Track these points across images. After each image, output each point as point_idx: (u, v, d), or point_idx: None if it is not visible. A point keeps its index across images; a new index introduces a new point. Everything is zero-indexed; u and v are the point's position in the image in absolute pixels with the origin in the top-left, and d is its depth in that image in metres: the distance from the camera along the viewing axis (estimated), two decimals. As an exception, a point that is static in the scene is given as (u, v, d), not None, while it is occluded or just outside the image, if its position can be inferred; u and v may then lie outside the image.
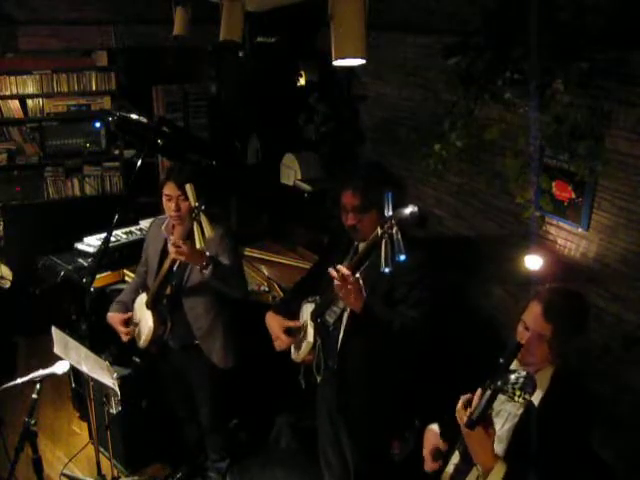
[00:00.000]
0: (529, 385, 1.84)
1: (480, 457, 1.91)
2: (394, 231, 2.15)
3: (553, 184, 2.82)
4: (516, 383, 1.82)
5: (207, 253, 2.91)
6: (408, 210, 2.19)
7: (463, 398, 1.95)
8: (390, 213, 2.19)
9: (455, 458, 2.16)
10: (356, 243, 2.68)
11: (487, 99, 2.82)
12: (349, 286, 2.34)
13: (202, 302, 3.12)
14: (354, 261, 2.41)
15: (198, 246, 2.74)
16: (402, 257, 2.13)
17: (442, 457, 2.20)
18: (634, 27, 2.30)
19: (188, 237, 2.90)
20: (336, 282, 2.37)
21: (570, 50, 2.45)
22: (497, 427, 1.98)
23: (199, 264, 2.88)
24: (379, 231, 2.22)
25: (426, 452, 2.28)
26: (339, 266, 2.38)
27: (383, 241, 2.17)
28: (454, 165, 3.10)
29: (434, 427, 2.31)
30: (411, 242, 2.23)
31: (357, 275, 2.37)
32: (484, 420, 1.85)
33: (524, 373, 1.86)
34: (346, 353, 2.68)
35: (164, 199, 3.02)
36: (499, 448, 1.97)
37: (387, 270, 2.16)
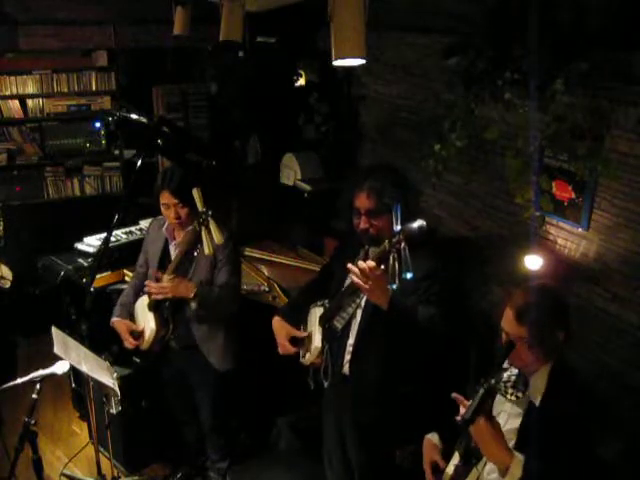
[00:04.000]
0: (521, 383, 1.90)
1: (494, 454, 1.88)
2: (402, 247, 2.12)
3: (553, 184, 2.82)
4: (508, 381, 1.91)
5: (193, 282, 2.97)
6: (417, 224, 2.16)
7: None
8: (399, 227, 2.16)
9: (455, 459, 2.16)
10: (367, 247, 2.61)
11: (487, 99, 2.82)
12: (374, 280, 2.25)
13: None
14: (374, 257, 2.30)
15: (207, 252, 2.81)
16: (409, 275, 2.10)
17: (441, 472, 2.18)
18: (634, 27, 2.30)
19: (196, 242, 2.94)
20: (356, 279, 2.28)
21: (570, 50, 2.45)
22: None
23: (184, 296, 2.95)
24: (387, 245, 2.19)
25: (426, 465, 2.27)
26: (362, 262, 2.28)
27: (391, 256, 2.14)
28: (454, 165, 3.10)
29: (432, 438, 2.30)
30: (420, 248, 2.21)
31: (382, 267, 2.27)
32: (474, 420, 1.85)
33: (516, 371, 1.92)
34: (357, 360, 2.65)
35: (162, 207, 3.02)
36: None
37: (394, 286, 2.13)
